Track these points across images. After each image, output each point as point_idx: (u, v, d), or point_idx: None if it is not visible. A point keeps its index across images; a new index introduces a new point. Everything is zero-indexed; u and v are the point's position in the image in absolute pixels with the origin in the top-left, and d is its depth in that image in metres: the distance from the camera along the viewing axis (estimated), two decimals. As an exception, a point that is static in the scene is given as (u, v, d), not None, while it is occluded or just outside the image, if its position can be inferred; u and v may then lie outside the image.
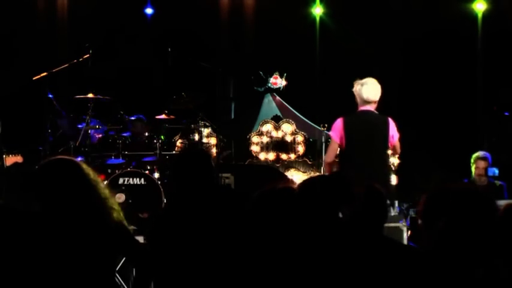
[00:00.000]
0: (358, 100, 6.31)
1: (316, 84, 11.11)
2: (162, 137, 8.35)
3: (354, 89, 6.36)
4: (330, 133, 6.48)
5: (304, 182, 3.65)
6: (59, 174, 3.38)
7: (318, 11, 11.44)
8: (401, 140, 9.59)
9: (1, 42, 10.25)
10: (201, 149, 8.07)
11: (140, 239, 7.36)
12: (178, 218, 3.83)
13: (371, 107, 6.28)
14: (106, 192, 3.49)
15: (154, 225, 4.01)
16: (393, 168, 9.59)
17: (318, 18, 11.44)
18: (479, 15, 11.23)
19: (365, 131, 6.21)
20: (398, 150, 6.63)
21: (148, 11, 11.19)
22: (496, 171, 8.69)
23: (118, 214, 3.48)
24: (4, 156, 7.39)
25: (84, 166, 3.48)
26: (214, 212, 3.83)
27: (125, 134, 8.24)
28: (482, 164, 7.98)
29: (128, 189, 7.69)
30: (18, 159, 7.68)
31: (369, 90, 6.27)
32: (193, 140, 8.44)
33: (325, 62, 11.28)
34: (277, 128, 9.35)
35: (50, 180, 3.37)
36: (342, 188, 3.55)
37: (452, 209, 3.09)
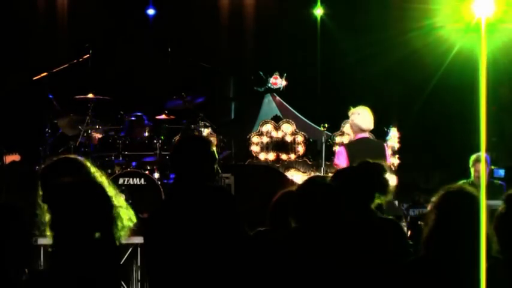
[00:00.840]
0: (355, 128, 6.90)
1: (316, 85, 11.13)
2: (162, 137, 8.35)
3: (350, 120, 6.93)
4: (336, 161, 6.91)
5: (339, 173, 3.79)
6: (64, 174, 3.25)
7: (318, 12, 11.48)
8: (401, 139, 9.66)
9: (1, 42, 10.25)
10: (202, 136, 8.07)
11: (140, 239, 7.37)
12: (174, 215, 3.79)
13: (367, 134, 6.97)
14: (112, 193, 3.36)
15: (150, 222, 3.97)
16: (393, 168, 9.60)
17: (318, 19, 11.47)
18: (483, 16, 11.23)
19: (367, 156, 6.42)
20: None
21: (150, 11, 11.19)
22: (502, 172, 8.63)
23: (123, 226, 3.38)
24: (4, 155, 7.40)
25: (93, 169, 3.36)
26: (210, 211, 3.77)
27: (123, 134, 8.22)
28: (481, 166, 7.91)
29: (128, 189, 7.68)
30: (16, 157, 7.69)
31: (365, 120, 6.85)
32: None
33: (326, 62, 11.29)
34: (277, 128, 9.35)
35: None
36: (375, 177, 3.74)
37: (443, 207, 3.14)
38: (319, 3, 11.48)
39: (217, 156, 3.93)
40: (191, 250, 3.66)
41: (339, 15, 11.34)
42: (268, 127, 9.33)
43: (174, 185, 4.05)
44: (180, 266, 3.67)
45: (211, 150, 3.86)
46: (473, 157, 8.05)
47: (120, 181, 7.71)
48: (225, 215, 3.75)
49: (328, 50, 11.19)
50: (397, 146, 9.79)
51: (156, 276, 3.75)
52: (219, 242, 3.66)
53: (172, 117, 8.61)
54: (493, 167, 8.15)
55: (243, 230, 3.77)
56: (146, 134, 8.30)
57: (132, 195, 7.66)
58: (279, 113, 9.92)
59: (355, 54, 11.08)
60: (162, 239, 3.76)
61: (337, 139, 9.22)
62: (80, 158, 3.44)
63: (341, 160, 6.69)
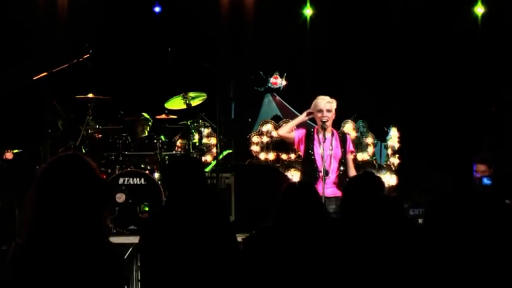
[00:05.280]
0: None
1: (316, 84, 11.12)
2: (162, 137, 8.35)
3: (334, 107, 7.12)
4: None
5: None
6: (70, 172, 3.13)
7: (308, 12, 11.53)
8: (401, 140, 9.61)
9: (1, 42, 10.24)
10: (188, 155, 8.14)
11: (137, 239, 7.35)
12: (170, 224, 3.84)
13: None
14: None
15: (147, 229, 4.01)
16: (393, 168, 9.60)
17: (308, 18, 11.51)
18: (479, 17, 11.27)
19: None
20: None
21: (156, 9, 11.19)
22: (488, 181, 8.45)
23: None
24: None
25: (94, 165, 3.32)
26: (204, 217, 3.86)
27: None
28: (481, 167, 7.88)
29: (127, 189, 7.69)
30: (9, 156, 7.73)
31: None
32: (193, 140, 8.44)
33: (324, 61, 11.29)
34: (277, 128, 9.34)
35: (60, 178, 3.13)
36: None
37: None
38: (308, 4, 11.53)
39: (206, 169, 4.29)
40: (188, 253, 3.72)
41: (331, 14, 11.35)
42: (268, 127, 9.33)
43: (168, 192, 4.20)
44: (174, 270, 3.71)
45: (199, 168, 4.27)
46: (475, 158, 8.01)
47: (120, 181, 7.72)
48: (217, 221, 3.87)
49: (327, 49, 11.19)
50: (397, 146, 9.79)
51: (150, 279, 3.78)
52: (213, 247, 3.75)
53: (172, 117, 8.61)
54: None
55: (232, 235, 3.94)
56: (145, 134, 8.29)
57: (132, 195, 7.67)
58: (279, 113, 9.92)
59: (353, 53, 11.10)
60: (159, 244, 3.80)
61: (343, 130, 9.20)
62: (84, 156, 3.36)
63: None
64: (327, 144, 6.94)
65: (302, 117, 7.47)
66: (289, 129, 7.40)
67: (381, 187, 3.95)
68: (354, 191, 3.88)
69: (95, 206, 3.15)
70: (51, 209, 3.09)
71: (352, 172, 7.10)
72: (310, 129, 7.42)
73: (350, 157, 7.17)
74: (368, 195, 3.81)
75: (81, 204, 3.12)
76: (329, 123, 7.00)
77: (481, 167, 7.90)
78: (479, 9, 11.33)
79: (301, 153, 7.21)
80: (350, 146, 7.22)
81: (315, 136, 7.08)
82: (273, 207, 4.01)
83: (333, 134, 7.02)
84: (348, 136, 7.42)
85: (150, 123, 8.30)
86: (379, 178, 4.10)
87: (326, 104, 7.02)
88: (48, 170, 3.18)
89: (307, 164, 7.12)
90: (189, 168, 4.09)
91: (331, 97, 7.10)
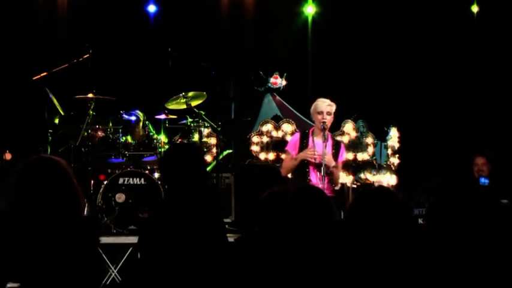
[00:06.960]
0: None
1: (316, 84, 11.13)
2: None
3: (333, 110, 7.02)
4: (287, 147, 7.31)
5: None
6: (41, 174, 3.37)
7: (309, 10, 11.52)
8: (401, 140, 9.62)
9: (1, 42, 10.24)
10: (191, 142, 8.11)
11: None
12: (168, 220, 3.82)
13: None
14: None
15: (145, 227, 4.00)
16: (393, 168, 9.60)
17: (310, 18, 11.51)
18: (475, 16, 11.30)
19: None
20: None
21: (151, 8, 11.17)
22: (486, 181, 8.50)
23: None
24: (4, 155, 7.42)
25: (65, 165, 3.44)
26: (202, 215, 3.83)
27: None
28: (480, 160, 8.00)
29: (127, 189, 7.69)
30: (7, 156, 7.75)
31: None
32: (193, 140, 8.45)
33: (322, 60, 11.29)
34: (277, 128, 9.34)
35: (32, 179, 3.36)
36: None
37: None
38: (310, 1, 11.51)
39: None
40: (186, 252, 3.70)
41: (332, 13, 11.35)
42: (268, 127, 9.32)
43: (168, 191, 4.13)
44: (169, 268, 3.70)
45: (200, 157, 4.04)
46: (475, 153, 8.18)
47: (120, 181, 7.72)
48: (210, 221, 3.83)
49: (328, 49, 11.19)
50: (397, 146, 9.80)
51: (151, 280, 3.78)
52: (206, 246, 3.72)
53: (172, 116, 8.61)
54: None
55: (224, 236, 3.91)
56: (142, 134, 8.27)
57: (132, 195, 7.68)
58: (279, 113, 9.92)
59: (351, 53, 11.11)
60: (155, 243, 3.79)
61: (337, 139, 9.20)
62: (56, 158, 3.48)
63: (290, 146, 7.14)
64: (322, 147, 6.92)
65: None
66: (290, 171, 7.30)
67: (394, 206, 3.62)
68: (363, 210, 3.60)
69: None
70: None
71: (337, 177, 7.11)
72: (305, 130, 7.38)
73: (339, 166, 7.15)
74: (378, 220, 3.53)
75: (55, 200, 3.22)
76: (328, 126, 6.98)
77: (480, 160, 8.00)
78: (475, 9, 11.34)
79: (294, 155, 7.11)
80: (343, 156, 7.18)
81: (310, 138, 7.07)
82: (266, 209, 3.98)
83: (327, 139, 7.01)
84: (342, 145, 7.34)
85: (142, 121, 8.27)
86: (394, 195, 3.55)
87: (327, 106, 6.98)
88: (21, 173, 3.32)
89: (300, 165, 7.09)
90: (189, 154, 3.97)
91: (331, 100, 7.07)
